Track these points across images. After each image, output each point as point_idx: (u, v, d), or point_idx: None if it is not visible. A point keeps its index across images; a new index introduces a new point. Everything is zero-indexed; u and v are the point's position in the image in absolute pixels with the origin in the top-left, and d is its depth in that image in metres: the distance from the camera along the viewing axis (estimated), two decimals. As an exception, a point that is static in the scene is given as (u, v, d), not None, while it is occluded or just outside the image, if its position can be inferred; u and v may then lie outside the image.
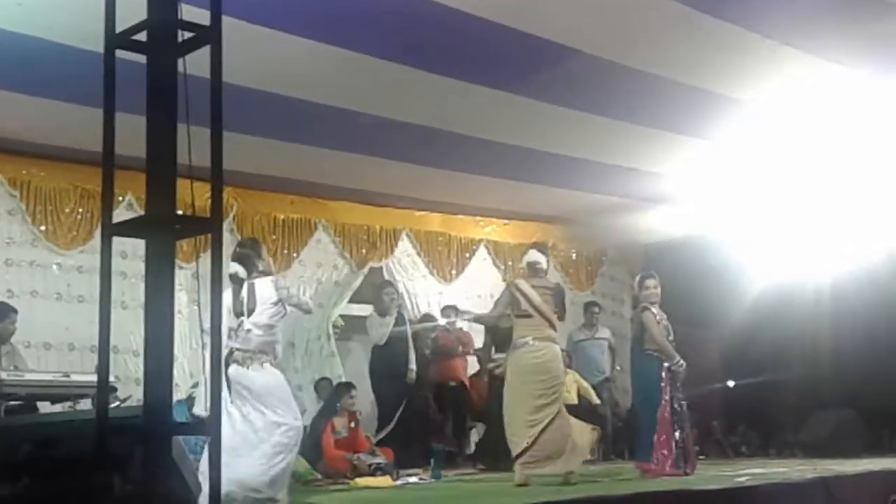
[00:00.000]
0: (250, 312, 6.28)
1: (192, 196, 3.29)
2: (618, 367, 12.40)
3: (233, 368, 6.18)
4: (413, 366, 10.33)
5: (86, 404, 7.30)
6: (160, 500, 3.02)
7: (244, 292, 6.30)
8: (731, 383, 13.03)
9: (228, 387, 6.06)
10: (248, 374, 6.19)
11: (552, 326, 7.78)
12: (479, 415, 10.97)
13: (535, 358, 7.63)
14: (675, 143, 9.59)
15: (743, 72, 7.90)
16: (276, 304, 6.36)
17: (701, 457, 11.77)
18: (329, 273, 11.04)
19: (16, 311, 7.92)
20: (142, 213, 9.03)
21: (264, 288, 6.39)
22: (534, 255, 8.10)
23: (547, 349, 7.67)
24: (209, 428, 3.29)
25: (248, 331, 6.27)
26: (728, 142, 9.56)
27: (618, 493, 6.37)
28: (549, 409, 7.53)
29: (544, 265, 8.11)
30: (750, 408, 12.21)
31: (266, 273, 6.59)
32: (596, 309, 12.40)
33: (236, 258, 6.39)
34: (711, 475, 7.97)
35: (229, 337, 6.19)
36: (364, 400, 10.28)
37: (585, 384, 11.82)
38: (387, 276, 11.32)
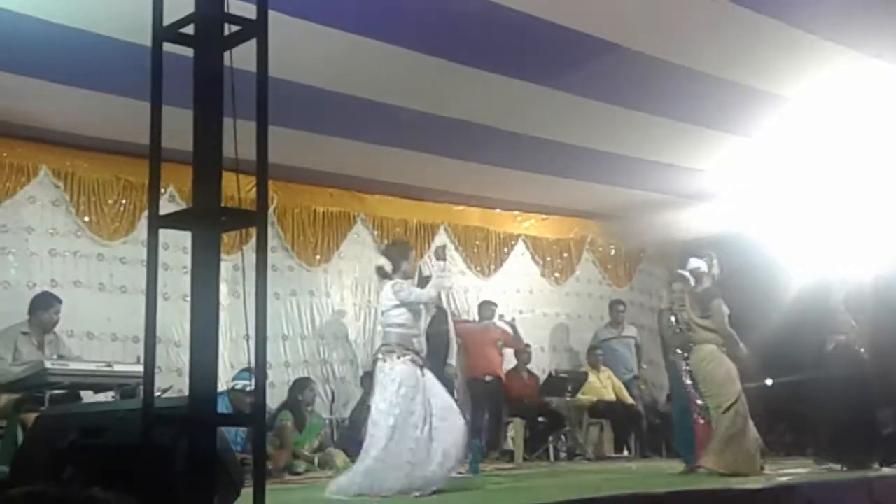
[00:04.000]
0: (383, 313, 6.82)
1: (238, 189, 3.32)
2: (644, 366, 12.36)
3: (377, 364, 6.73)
4: (453, 360, 10.33)
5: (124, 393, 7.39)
6: (205, 491, 3.04)
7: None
8: (769, 382, 12.91)
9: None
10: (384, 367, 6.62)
11: (705, 329, 8.00)
12: (515, 410, 10.98)
13: (691, 360, 8.13)
14: (715, 140, 9.54)
15: (784, 67, 7.84)
16: (397, 306, 6.69)
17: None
18: (367, 266, 11.06)
19: (60, 301, 8.00)
20: (183, 205, 9.13)
21: (385, 293, 6.82)
22: (692, 263, 8.36)
23: (698, 351, 8.02)
24: (253, 419, 3.31)
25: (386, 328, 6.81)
26: (768, 138, 9.48)
27: (655, 492, 6.34)
28: (715, 407, 7.79)
29: (704, 268, 8.26)
30: (789, 407, 12.09)
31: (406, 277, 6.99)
32: (621, 307, 12.38)
33: (385, 254, 7.06)
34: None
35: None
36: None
37: (619, 383, 11.82)
38: (425, 272, 11.31)
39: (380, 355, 6.72)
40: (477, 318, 11.32)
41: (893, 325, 10.19)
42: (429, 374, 6.76)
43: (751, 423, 7.82)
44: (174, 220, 3.41)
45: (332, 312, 10.72)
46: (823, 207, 11.01)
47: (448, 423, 6.61)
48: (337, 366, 10.57)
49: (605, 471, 9.23)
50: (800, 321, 10.34)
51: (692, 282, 8.25)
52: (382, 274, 6.89)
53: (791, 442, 12.25)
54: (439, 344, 10.28)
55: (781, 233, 11.27)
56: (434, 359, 10.14)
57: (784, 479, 7.17)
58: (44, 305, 7.88)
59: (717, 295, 8.10)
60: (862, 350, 8.61)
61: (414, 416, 6.44)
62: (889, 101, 8.53)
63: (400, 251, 7.05)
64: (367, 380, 10.09)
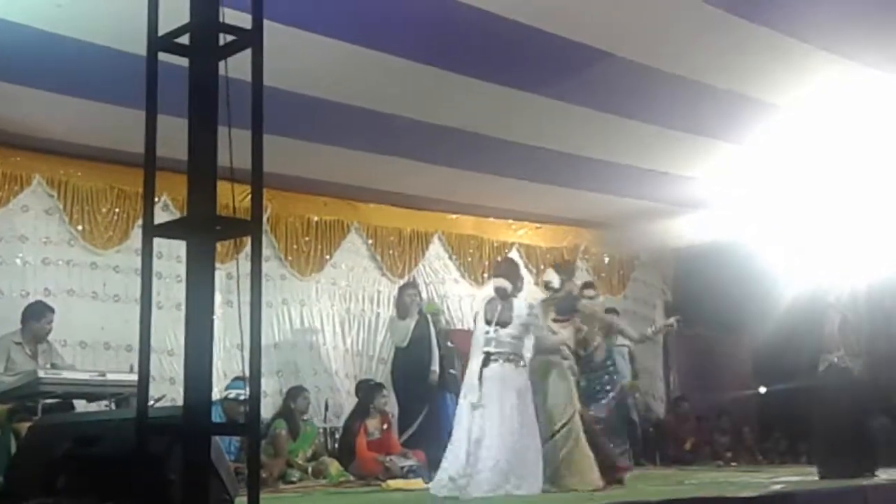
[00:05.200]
0: (504, 323, 7.04)
1: (234, 198, 3.32)
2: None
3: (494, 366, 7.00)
4: (435, 367, 10.18)
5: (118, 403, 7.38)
6: (199, 501, 3.03)
7: (500, 304, 7.12)
8: (762, 390, 12.95)
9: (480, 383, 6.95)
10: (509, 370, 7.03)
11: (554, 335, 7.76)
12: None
13: (533, 369, 7.49)
14: (709, 148, 9.55)
15: (778, 76, 7.85)
16: (523, 324, 7.08)
17: (732, 463, 11.80)
18: (360, 275, 11.05)
19: (52, 311, 7.98)
20: (177, 213, 9.08)
21: (520, 307, 7.14)
22: (547, 275, 8.26)
23: (543, 363, 7.51)
24: (248, 429, 3.31)
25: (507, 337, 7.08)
26: (762, 146, 9.50)
27: (648, 499, 6.34)
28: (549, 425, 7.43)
29: (555, 283, 7.99)
30: (783, 414, 12.12)
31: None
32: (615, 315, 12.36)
33: (504, 275, 7.31)
34: (745, 482, 7.92)
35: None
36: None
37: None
38: (417, 279, 11.30)
39: (502, 361, 7.00)
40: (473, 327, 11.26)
41: (888, 334, 10.22)
42: None
43: (583, 439, 7.37)
44: (169, 230, 3.41)
45: (325, 321, 10.68)
46: (817, 216, 11.02)
47: None
48: (330, 375, 10.54)
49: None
50: (794, 331, 10.38)
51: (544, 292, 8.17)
52: (503, 294, 7.16)
53: (786, 449, 12.30)
54: (422, 348, 10.19)
55: (775, 240, 11.29)
56: (416, 365, 10.10)
57: (778, 486, 7.16)
58: (36, 315, 7.86)
59: (579, 299, 8.14)
60: (857, 366, 8.54)
61: (533, 420, 7.00)
62: (883, 111, 8.55)
63: (517, 272, 7.53)
64: (362, 389, 10.07)
